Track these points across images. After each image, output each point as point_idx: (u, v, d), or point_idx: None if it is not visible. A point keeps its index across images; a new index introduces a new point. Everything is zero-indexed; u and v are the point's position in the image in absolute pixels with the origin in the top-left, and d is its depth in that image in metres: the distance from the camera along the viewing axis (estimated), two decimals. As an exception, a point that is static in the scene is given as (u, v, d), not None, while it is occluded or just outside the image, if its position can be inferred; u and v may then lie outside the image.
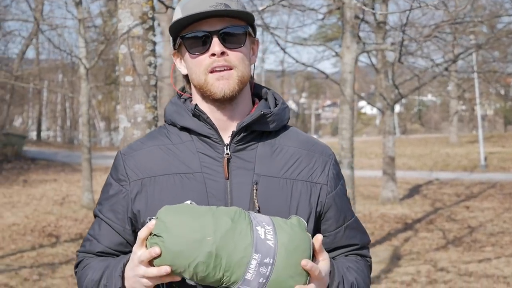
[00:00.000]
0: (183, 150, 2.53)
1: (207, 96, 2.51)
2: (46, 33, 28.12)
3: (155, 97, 6.08)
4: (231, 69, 2.46)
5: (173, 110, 2.62)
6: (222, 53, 2.45)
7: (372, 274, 11.35)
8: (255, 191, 2.45)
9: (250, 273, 2.17)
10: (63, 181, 26.90)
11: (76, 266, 2.64)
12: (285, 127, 2.65)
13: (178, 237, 2.17)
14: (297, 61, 17.15)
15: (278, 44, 15.41)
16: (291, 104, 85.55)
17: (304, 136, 2.68)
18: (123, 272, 2.35)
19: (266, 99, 2.68)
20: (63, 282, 10.87)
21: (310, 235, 2.32)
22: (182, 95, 2.69)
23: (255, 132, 2.55)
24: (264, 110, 2.52)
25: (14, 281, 11.06)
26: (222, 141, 2.51)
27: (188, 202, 2.31)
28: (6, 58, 37.08)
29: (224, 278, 2.18)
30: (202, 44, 2.47)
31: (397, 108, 64.75)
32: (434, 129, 70.15)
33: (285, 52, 16.26)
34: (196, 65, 2.50)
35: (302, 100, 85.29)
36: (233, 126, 2.54)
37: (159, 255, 2.18)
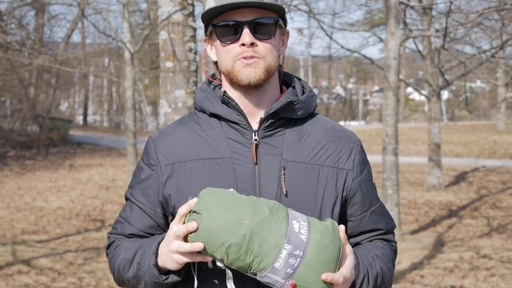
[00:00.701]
0: (213, 136, 2.58)
1: (234, 83, 2.55)
2: (91, 17, 28.29)
3: (195, 83, 6.09)
4: (259, 59, 2.49)
5: (203, 96, 2.66)
6: (252, 44, 2.48)
7: (416, 260, 11.31)
8: (282, 176, 2.50)
9: (279, 262, 2.21)
10: (109, 165, 27.09)
11: (108, 247, 2.70)
12: (312, 115, 2.69)
13: (216, 216, 2.22)
14: (342, 47, 17.04)
15: (324, 30, 15.33)
16: (339, 90, 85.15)
17: (331, 123, 2.72)
18: (157, 250, 2.39)
19: (294, 87, 2.71)
20: (107, 266, 10.85)
21: (341, 240, 2.35)
22: (212, 81, 2.71)
23: (282, 119, 2.58)
24: (291, 98, 2.56)
25: (59, 265, 11.15)
26: (251, 127, 2.55)
27: (231, 190, 2.35)
28: (52, 42, 37.37)
29: (253, 263, 2.22)
30: (233, 33, 2.50)
31: (446, 94, 64.12)
32: (482, 116, 69.39)
33: (330, 38, 16.17)
34: (226, 53, 2.53)
35: (350, 86, 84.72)
36: (261, 113, 2.58)
37: (195, 231, 2.24)
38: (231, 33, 2.50)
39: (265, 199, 2.34)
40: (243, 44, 2.48)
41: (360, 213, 2.65)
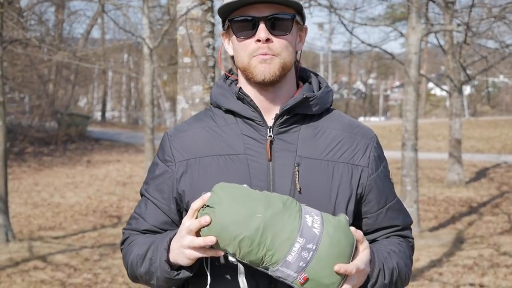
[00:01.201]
0: (228, 132, 2.59)
1: (250, 79, 2.54)
2: (111, 13, 28.31)
3: (213, 78, 6.09)
4: (274, 55, 2.49)
5: (219, 92, 2.66)
6: (267, 40, 2.48)
7: (434, 258, 11.22)
8: (296, 172, 2.50)
9: (292, 255, 2.22)
10: (126, 161, 27.19)
11: (122, 243, 2.72)
12: (328, 110, 2.68)
13: (229, 210, 2.24)
14: (362, 42, 16.93)
15: (344, 25, 15.26)
16: (359, 85, 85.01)
17: (347, 119, 2.71)
18: (168, 246, 2.41)
19: (310, 83, 2.70)
20: (122, 262, 10.90)
21: (354, 235, 2.35)
22: (229, 77, 2.72)
23: (298, 115, 2.58)
24: (307, 94, 2.56)
25: (75, 261, 11.16)
26: (266, 123, 2.56)
27: (245, 185, 2.35)
28: (71, 38, 37.52)
29: (266, 257, 2.24)
30: (249, 28, 2.50)
31: (468, 89, 63.84)
32: (505, 111, 68.95)
33: (351, 33, 16.09)
34: (242, 48, 2.53)
35: (370, 81, 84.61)
36: (277, 109, 2.58)
37: (208, 225, 2.25)
38: (247, 28, 2.50)
39: (278, 194, 2.35)
40: (259, 40, 2.47)
41: (376, 210, 2.64)
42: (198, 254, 2.30)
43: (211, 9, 6.02)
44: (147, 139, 19.24)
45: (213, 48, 6.09)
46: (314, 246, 2.22)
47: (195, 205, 2.30)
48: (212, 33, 6.06)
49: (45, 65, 31.44)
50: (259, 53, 2.47)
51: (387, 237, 2.69)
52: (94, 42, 45.99)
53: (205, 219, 2.23)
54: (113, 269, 10.72)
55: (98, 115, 55.78)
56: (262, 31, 2.46)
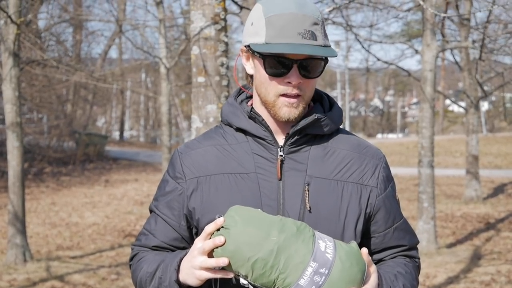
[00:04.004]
0: (238, 151, 2.60)
1: (270, 113, 2.56)
2: (128, 33, 28.44)
3: (227, 97, 6.07)
4: (300, 96, 2.51)
5: (229, 111, 2.67)
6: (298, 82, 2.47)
7: (452, 274, 11.18)
8: (306, 192, 2.52)
9: (304, 279, 2.23)
10: (144, 181, 27.21)
11: (131, 259, 2.74)
12: (338, 130, 2.70)
13: (244, 232, 2.25)
14: (378, 59, 16.97)
15: (360, 43, 15.32)
16: (376, 102, 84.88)
17: (356, 139, 2.73)
18: (178, 266, 2.42)
19: (321, 103, 2.71)
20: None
21: (366, 262, 2.37)
22: (243, 91, 2.74)
23: (309, 135, 2.60)
24: (318, 115, 2.57)
25: (92, 280, 11.18)
26: (277, 143, 2.57)
27: (259, 210, 2.36)
28: (89, 59, 37.74)
29: (278, 280, 2.24)
30: (281, 68, 2.47)
31: (485, 105, 63.60)
32: (523, 127, 68.63)
33: (366, 51, 16.17)
34: (270, 85, 2.51)
35: (388, 98, 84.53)
36: (287, 128, 2.59)
37: (222, 245, 2.26)
38: (279, 67, 2.47)
39: (292, 219, 2.35)
40: (289, 82, 2.46)
41: (384, 230, 2.66)
42: (208, 275, 2.31)
43: (224, 28, 6.04)
44: (164, 158, 19.32)
45: (227, 67, 6.11)
46: (327, 271, 2.23)
47: (208, 228, 2.31)
48: (225, 52, 6.09)
49: (63, 85, 31.62)
50: (287, 93, 2.47)
51: (393, 257, 2.71)
52: (112, 62, 46.27)
53: (219, 239, 2.24)
54: (130, 288, 10.73)
55: (116, 134, 55.97)
56: (295, 75, 2.45)
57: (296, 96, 2.48)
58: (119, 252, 13.70)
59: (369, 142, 2.77)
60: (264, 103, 2.55)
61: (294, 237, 2.25)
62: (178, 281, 2.40)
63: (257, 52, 2.49)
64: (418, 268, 2.76)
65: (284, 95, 2.48)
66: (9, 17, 11.63)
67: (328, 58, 2.53)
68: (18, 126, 12.18)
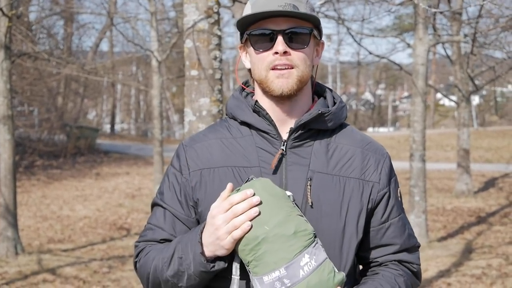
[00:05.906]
0: (243, 144, 2.62)
1: (266, 92, 2.59)
2: (119, 26, 28.37)
3: (220, 91, 6.10)
4: (292, 68, 2.53)
5: (234, 104, 2.70)
6: (285, 52, 2.51)
7: (443, 268, 11.21)
8: (308, 186, 2.52)
9: (268, 278, 2.28)
10: (135, 174, 27.20)
11: (137, 256, 2.69)
12: (341, 126, 2.71)
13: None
14: (370, 53, 16.95)
15: (352, 36, 15.32)
16: (367, 96, 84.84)
17: (360, 135, 2.74)
18: (201, 238, 2.42)
19: (325, 98, 2.74)
20: (132, 274, 10.93)
21: None
22: (245, 89, 2.77)
23: (312, 129, 2.61)
24: (322, 109, 2.59)
25: (84, 273, 11.17)
26: (280, 137, 2.59)
27: (289, 193, 2.41)
28: (80, 51, 37.61)
29: (250, 263, 2.31)
30: (267, 41, 2.54)
31: (476, 99, 63.67)
32: (513, 121, 68.68)
33: (358, 44, 16.15)
34: (259, 61, 2.57)
35: (379, 92, 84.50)
36: (292, 122, 2.61)
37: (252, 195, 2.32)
38: (265, 41, 2.54)
39: (306, 222, 2.35)
40: (276, 53, 2.51)
41: (378, 224, 2.65)
42: (238, 235, 2.30)
43: (217, 22, 6.04)
44: (156, 152, 19.30)
45: (220, 61, 6.11)
46: (289, 284, 2.26)
47: (224, 194, 2.36)
48: (219, 46, 6.08)
49: (54, 78, 31.52)
50: (277, 64, 2.51)
51: (385, 262, 2.68)
52: (103, 55, 46.14)
53: (250, 191, 2.31)
54: (122, 281, 10.71)
55: (107, 127, 55.83)
56: (280, 44, 2.50)
57: (286, 67, 2.51)
58: (111, 245, 13.70)
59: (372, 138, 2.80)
60: (259, 83, 2.59)
61: (285, 238, 2.27)
62: (203, 253, 2.39)
63: (244, 32, 2.60)
64: (415, 274, 2.73)
65: (274, 68, 2.51)
66: (1, 9, 11.61)
67: (314, 31, 2.59)
68: (9, 119, 12.17)
